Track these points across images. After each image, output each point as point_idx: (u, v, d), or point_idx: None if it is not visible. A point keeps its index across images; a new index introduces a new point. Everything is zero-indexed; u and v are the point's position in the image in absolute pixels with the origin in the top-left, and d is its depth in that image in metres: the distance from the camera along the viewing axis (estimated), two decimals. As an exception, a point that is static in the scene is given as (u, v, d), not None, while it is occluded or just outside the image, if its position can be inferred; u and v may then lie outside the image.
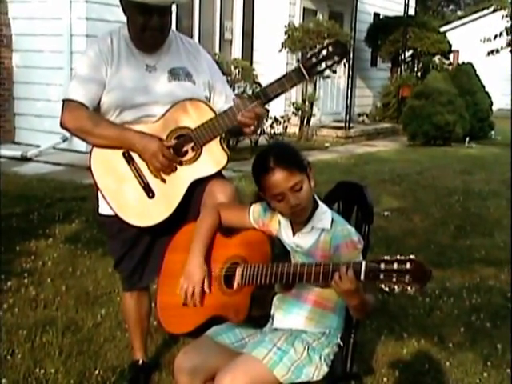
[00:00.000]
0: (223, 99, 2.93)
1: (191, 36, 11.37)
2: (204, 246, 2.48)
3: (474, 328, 4.05)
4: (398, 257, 2.00)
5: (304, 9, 14.04)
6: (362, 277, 2.06)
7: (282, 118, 11.46)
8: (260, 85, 10.96)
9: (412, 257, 1.99)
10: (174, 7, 2.77)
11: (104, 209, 2.85)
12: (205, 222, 2.55)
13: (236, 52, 12.82)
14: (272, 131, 11.23)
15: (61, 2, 9.59)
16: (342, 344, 2.40)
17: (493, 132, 15.57)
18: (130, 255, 2.93)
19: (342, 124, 13.75)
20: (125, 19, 2.82)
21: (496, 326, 4.08)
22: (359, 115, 16.13)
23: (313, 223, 2.36)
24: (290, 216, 2.36)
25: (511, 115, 18.36)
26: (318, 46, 11.86)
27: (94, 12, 9.16)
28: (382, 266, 2.01)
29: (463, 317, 4.21)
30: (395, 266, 1.99)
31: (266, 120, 10.89)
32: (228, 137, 2.83)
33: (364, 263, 2.08)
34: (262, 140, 10.96)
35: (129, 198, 2.75)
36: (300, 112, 12.48)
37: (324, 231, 2.35)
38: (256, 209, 2.50)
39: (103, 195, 2.79)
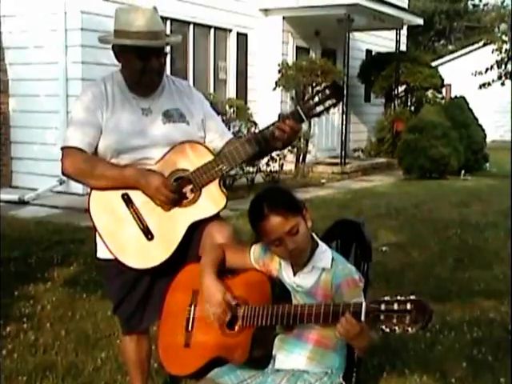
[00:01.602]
0: (218, 137, 2.95)
1: (186, 77, 11.50)
2: (213, 269, 2.48)
3: (476, 362, 4.02)
4: (399, 297, 2.00)
5: (297, 47, 14.20)
6: (363, 318, 2.06)
7: (278, 155, 11.51)
8: (255, 123, 11.06)
9: (412, 297, 1.99)
10: (168, 48, 2.83)
11: (102, 252, 2.86)
12: (210, 254, 2.56)
13: (230, 91, 12.94)
14: (268, 169, 11.28)
15: (56, 46, 9.73)
16: (344, 383, 2.39)
17: (487, 164, 15.65)
18: (129, 298, 2.92)
19: (338, 160, 13.81)
20: (120, 62, 2.86)
21: (498, 360, 4.05)
22: (354, 151, 16.21)
23: (313, 263, 2.37)
24: (289, 259, 2.38)
25: (511, 147, 18.51)
26: (311, 84, 12.00)
27: (90, 56, 9.29)
28: (383, 306, 2.01)
29: (465, 351, 4.18)
30: (396, 306, 1.99)
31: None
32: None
33: (364, 304, 2.08)
34: (259, 178, 11.01)
35: (128, 240, 2.76)
36: (295, 149, 12.54)
37: (325, 271, 2.35)
38: (256, 249, 2.51)
39: (101, 237, 2.80)
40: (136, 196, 2.74)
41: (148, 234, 2.74)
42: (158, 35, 2.71)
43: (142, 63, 2.72)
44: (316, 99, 2.64)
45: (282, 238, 2.28)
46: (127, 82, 2.83)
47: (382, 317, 2.01)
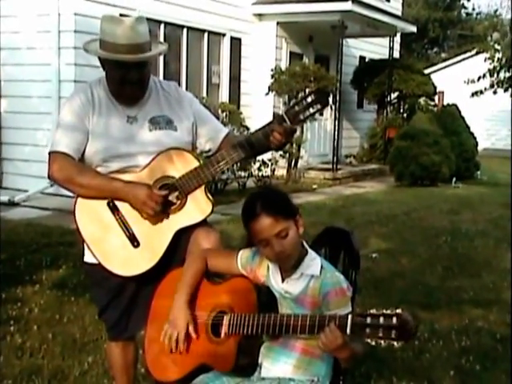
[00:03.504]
0: (209, 140, 2.95)
1: (179, 80, 11.49)
2: (188, 291, 2.49)
3: (463, 371, 4.02)
4: (384, 311, 1.99)
5: (290, 53, 14.21)
6: (348, 331, 2.06)
7: (270, 160, 11.53)
8: (247, 128, 11.07)
9: (398, 311, 1.98)
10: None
11: (89, 257, 2.85)
12: (190, 267, 2.56)
13: (223, 96, 12.94)
14: (260, 174, 11.29)
15: (49, 48, 9.71)
16: (330, 391, 2.38)
17: (478, 172, 15.70)
18: (115, 304, 2.90)
19: (330, 166, 13.83)
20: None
21: (486, 369, 4.06)
22: (346, 157, 16.23)
23: (302, 270, 2.36)
24: (275, 262, 2.37)
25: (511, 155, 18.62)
26: (304, 90, 12.01)
27: (83, 58, 9.22)
28: (368, 320, 2.01)
29: (453, 359, 4.19)
30: (381, 320, 1.98)
31: (254, 163, 10.97)
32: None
33: (350, 317, 2.07)
34: (250, 183, 11.01)
35: (113, 247, 2.75)
36: (287, 154, 12.55)
37: (313, 278, 2.35)
38: (244, 255, 2.51)
39: (87, 244, 2.79)
40: (122, 203, 2.73)
41: (134, 241, 2.73)
42: (139, 48, 2.67)
43: (121, 75, 2.70)
44: (301, 105, 2.64)
45: (269, 239, 2.29)
46: (110, 90, 2.82)
47: (367, 330, 2.00)
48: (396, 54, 17.84)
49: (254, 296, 2.38)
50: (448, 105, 16.09)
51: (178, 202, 2.74)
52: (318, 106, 2.65)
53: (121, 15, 2.75)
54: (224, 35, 12.86)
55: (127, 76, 2.70)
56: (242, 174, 11.01)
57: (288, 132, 2.65)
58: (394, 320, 1.97)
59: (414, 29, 17.09)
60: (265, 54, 13.54)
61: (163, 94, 2.91)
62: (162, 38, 10.79)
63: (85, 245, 2.83)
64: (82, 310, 4.78)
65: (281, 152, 12.22)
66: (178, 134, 2.84)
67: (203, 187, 2.74)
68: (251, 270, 2.48)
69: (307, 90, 12.18)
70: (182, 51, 11.97)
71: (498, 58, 18.27)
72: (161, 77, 10.57)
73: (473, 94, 18.66)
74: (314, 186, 12.50)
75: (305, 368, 2.35)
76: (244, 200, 2.40)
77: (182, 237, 2.76)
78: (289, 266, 2.36)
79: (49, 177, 2.75)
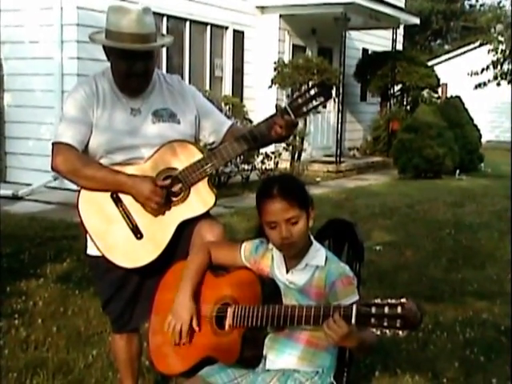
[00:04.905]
0: (212, 132, 2.95)
1: (181, 73, 11.48)
2: (192, 283, 2.49)
3: (468, 362, 4.02)
4: (389, 300, 1.99)
5: (293, 45, 14.18)
6: (353, 321, 2.05)
7: (273, 153, 11.51)
8: (250, 121, 11.05)
9: (403, 300, 1.97)
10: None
11: (92, 249, 2.85)
12: (194, 260, 2.56)
13: (226, 89, 12.92)
14: (263, 167, 11.27)
15: (52, 42, 9.70)
16: (335, 383, 2.38)
17: (482, 164, 15.67)
18: (118, 297, 2.91)
19: (333, 158, 13.81)
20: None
21: (490, 360, 4.06)
22: (350, 149, 16.22)
23: (307, 260, 2.37)
24: (279, 246, 2.38)
25: (511, 148, 18.59)
26: (307, 82, 11.99)
27: (85, 51, 9.25)
28: (373, 310, 2.00)
29: (457, 351, 4.18)
30: (386, 310, 1.97)
31: (257, 156, 10.96)
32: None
33: (355, 307, 2.06)
34: (254, 176, 11.00)
35: (117, 239, 2.75)
36: (291, 147, 12.53)
37: (318, 268, 2.35)
38: (247, 247, 2.51)
39: (90, 236, 2.79)
40: (125, 195, 2.73)
41: (137, 233, 2.73)
42: (145, 38, 2.67)
43: (127, 66, 2.70)
44: (304, 98, 2.64)
45: (279, 223, 2.29)
46: (115, 81, 2.82)
47: (372, 320, 2.00)
48: (399, 46, 17.80)
49: (258, 288, 2.38)
50: (451, 97, 16.05)
51: (181, 194, 2.74)
52: (321, 99, 2.65)
53: None
54: (227, 28, 12.83)
55: (133, 67, 2.70)
56: (246, 167, 11.00)
57: (290, 125, 2.65)
58: (399, 309, 1.96)
59: (417, 21, 17.03)
60: (268, 47, 13.50)
61: (167, 87, 2.91)
62: (164, 31, 10.76)
63: (88, 237, 2.84)
64: (87, 303, 4.79)
65: (284, 145, 12.21)
66: (181, 127, 2.84)
67: (206, 179, 2.75)
68: (255, 262, 2.48)
69: (310, 83, 12.17)
70: (184, 44, 11.96)
71: (502, 50, 18.27)
72: (164, 70, 10.55)
73: (476, 86, 18.66)
74: (318, 179, 12.49)
75: (309, 360, 2.35)
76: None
77: (185, 229, 2.76)
78: (291, 254, 2.37)
79: (52, 168, 2.75)
